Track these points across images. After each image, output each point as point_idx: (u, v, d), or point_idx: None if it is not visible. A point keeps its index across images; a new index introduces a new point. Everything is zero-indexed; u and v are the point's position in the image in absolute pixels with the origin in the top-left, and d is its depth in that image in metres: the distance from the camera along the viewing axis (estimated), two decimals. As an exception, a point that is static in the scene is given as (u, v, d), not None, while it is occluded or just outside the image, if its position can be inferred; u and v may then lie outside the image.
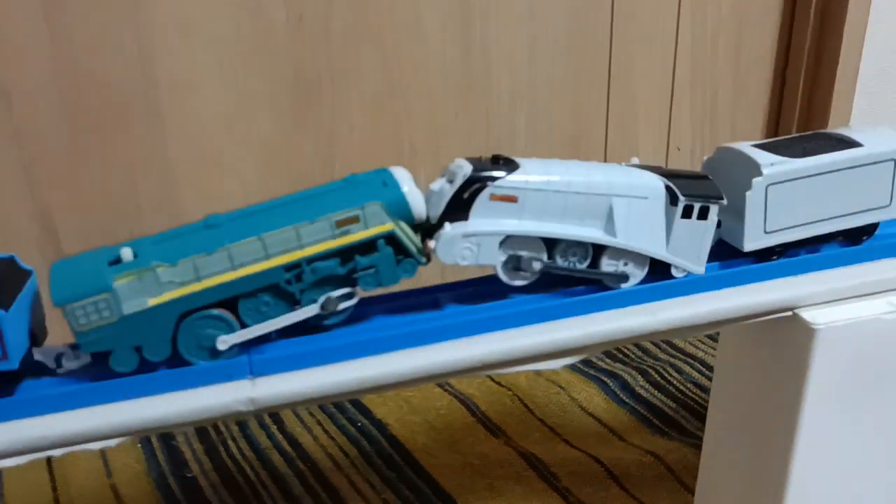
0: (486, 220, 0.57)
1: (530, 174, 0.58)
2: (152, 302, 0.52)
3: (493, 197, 0.58)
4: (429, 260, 0.56)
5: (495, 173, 0.57)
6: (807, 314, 0.63)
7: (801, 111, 1.34)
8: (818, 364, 0.64)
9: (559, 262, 0.59)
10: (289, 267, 0.54)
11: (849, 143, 0.64)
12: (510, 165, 0.58)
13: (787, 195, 0.62)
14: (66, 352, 0.54)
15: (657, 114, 1.27)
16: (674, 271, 0.62)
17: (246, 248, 0.53)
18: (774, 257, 0.65)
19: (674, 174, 0.61)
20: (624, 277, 0.60)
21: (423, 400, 1.00)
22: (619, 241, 0.59)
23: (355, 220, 0.55)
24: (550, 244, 0.58)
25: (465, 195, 0.57)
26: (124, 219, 1.04)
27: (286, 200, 0.56)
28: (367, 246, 0.55)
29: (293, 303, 0.55)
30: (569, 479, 0.87)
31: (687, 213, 0.60)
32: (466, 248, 0.58)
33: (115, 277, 0.51)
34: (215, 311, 0.53)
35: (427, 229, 0.58)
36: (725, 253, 0.63)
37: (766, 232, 0.63)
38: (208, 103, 1.02)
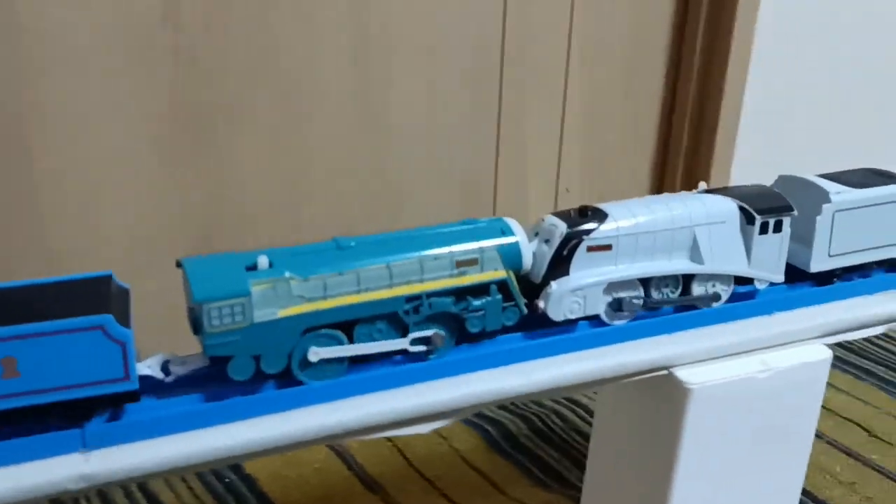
0: (586, 271, 0.64)
1: (620, 220, 0.65)
2: (281, 313, 0.56)
3: (590, 248, 0.64)
4: (533, 313, 0.64)
5: (589, 226, 0.64)
6: (682, 373, 0.64)
7: (687, 154, 1.38)
8: (692, 423, 0.65)
9: (654, 295, 0.67)
10: (410, 298, 0.59)
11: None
12: (599, 215, 0.65)
13: (849, 222, 0.73)
14: (173, 359, 0.58)
15: (546, 156, 1.29)
16: (757, 284, 0.70)
17: (374, 274, 0.58)
18: (835, 280, 0.75)
19: (742, 193, 0.70)
20: (716, 297, 0.69)
21: (298, 453, 0.97)
22: (706, 267, 0.67)
23: (474, 262, 0.61)
24: (645, 280, 0.66)
25: (565, 252, 0.63)
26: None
27: (409, 234, 0.61)
28: (480, 289, 0.61)
29: (404, 334, 0.60)
30: (447, 536, 0.85)
31: (764, 230, 0.68)
32: (574, 301, 0.64)
33: (252, 283, 0.55)
34: (335, 332, 0.58)
35: (529, 287, 0.64)
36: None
37: (830, 255, 0.73)
38: (87, 140, 0.98)
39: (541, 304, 0.63)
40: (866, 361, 1.25)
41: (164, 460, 0.54)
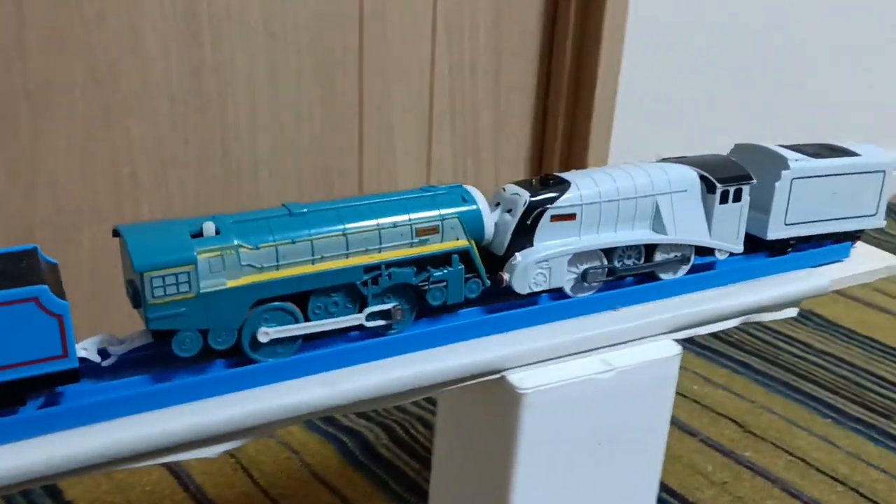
0: (550, 241, 0.64)
1: (583, 189, 0.65)
2: (230, 283, 0.53)
3: (554, 218, 0.63)
4: (497, 286, 0.63)
5: (552, 195, 0.63)
6: (514, 377, 0.59)
7: (563, 141, 1.35)
8: (528, 430, 0.60)
9: (617, 265, 0.67)
10: (368, 268, 0.57)
11: (848, 152, 0.77)
12: (562, 185, 0.65)
13: (805, 191, 0.74)
14: (111, 339, 0.54)
15: (415, 145, 1.21)
16: (717, 254, 0.71)
17: (329, 242, 0.56)
18: (790, 250, 0.76)
19: (701, 162, 0.71)
20: (685, 260, 0.69)
21: (128, 475, 0.90)
22: (669, 237, 0.68)
23: (434, 230, 0.59)
24: (608, 250, 0.66)
25: (529, 221, 0.62)
26: None
27: (365, 201, 0.59)
28: (441, 259, 0.60)
29: (361, 307, 0.58)
30: (288, 562, 0.78)
31: (724, 199, 0.69)
32: (539, 273, 0.63)
33: (198, 251, 0.52)
34: (288, 305, 0.55)
35: (491, 260, 0.63)
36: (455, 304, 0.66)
37: (786, 224, 0.74)
38: None
39: (505, 276, 0.62)
40: (743, 353, 1.23)
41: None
